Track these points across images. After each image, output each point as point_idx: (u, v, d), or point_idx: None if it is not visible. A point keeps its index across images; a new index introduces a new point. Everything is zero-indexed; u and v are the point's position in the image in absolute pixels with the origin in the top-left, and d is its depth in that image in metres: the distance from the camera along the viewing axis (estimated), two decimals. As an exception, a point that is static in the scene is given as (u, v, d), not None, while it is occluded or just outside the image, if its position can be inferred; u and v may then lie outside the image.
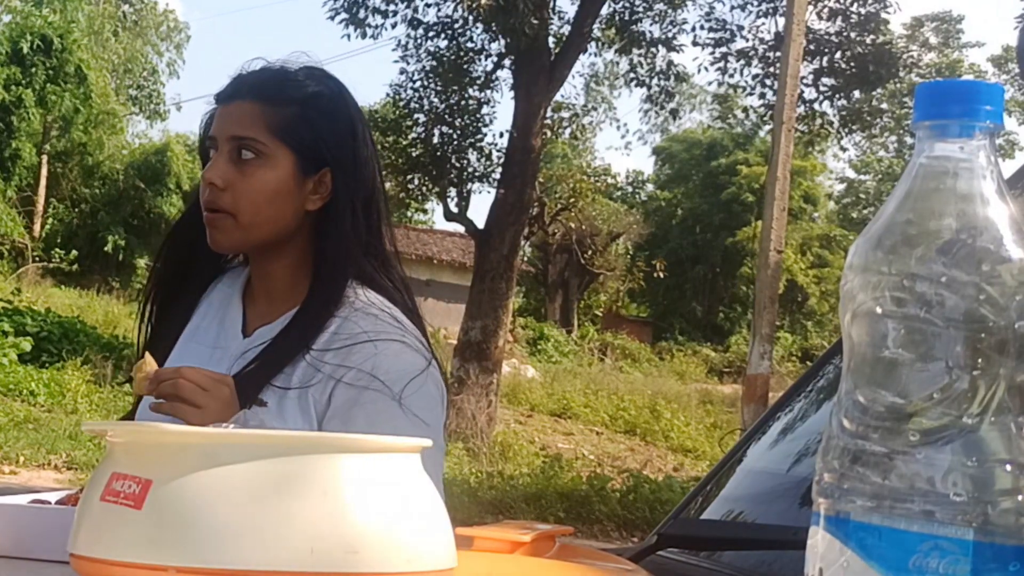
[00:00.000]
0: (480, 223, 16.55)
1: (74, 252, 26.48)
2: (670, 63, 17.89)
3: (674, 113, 20.08)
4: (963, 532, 0.69)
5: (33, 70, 26.24)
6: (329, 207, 1.85)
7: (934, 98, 0.76)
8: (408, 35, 16.97)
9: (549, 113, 17.44)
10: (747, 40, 17.33)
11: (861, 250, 0.75)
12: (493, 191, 16.61)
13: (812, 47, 16.06)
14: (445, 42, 16.96)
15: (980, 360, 0.70)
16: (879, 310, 0.72)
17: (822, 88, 16.96)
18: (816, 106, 17.17)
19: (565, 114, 20.01)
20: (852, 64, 16.54)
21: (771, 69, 16.80)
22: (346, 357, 1.78)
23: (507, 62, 16.81)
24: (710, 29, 17.33)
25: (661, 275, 32.67)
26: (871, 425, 0.72)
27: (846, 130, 18.02)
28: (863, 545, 0.72)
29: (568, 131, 20.88)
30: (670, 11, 17.28)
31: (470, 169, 17.57)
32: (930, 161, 0.75)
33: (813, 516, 0.76)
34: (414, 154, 17.65)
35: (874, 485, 0.71)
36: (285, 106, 1.84)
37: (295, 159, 1.83)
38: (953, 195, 0.73)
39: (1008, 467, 0.70)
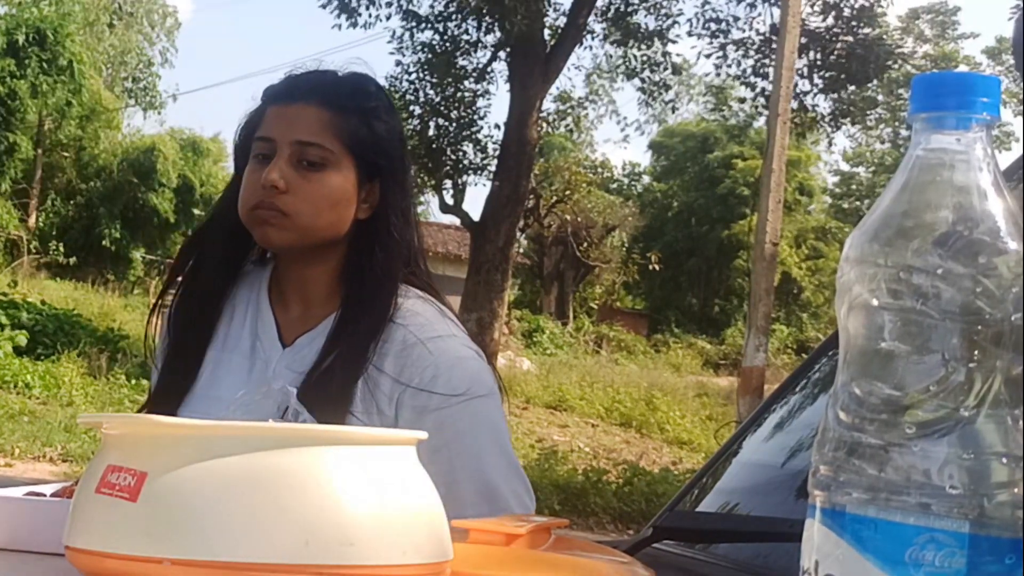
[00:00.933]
0: (476, 215, 16.56)
1: (61, 245, 26.49)
2: (665, 55, 17.88)
3: (672, 106, 20.08)
4: (959, 525, 0.69)
5: (27, 62, 26.21)
6: (377, 216, 1.84)
7: (930, 90, 0.76)
8: (402, 26, 16.96)
9: (546, 105, 17.44)
10: (742, 31, 17.33)
11: (857, 242, 0.75)
12: (489, 183, 16.61)
13: (806, 40, 16.05)
14: (439, 34, 16.94)
15: (976, 352, 0.70)
16: (875, 302, 0.72)
17: (816, 81, 16.95)
18: (810, 99, 17.18)
19: (563, 106, 20.01)
20: (846, 58, 16.53)
21: (766, 61, 16.80)
22: (403, 367, 1.78)
23: (502, 54, 16.80)
24: (705, 21, 17.33)
25: (656, 268, 32.68)
26: (867, 417, 0.72)
27: (837, 123, 18.01)
28: (859, 537, 0.72)
29: (565, 123, 20.87)
30: (665, 2, 17.27)
31: (466, 161, 17.57)
32: (926, 153, 0.75)
33: (809, 508, 0.76)
34: (409, 146, 17.60)
35: (870, 477, 0.71)
36: (351, 115, 1.83)
37: (357, 169, 1.83)
38: (949, 187, 0.73)
39: (1004, 460, 0.70)
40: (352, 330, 1.80)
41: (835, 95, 17.23)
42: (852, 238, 0.75)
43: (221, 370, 1.88)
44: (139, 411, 1.96)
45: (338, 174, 1.81)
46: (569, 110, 20.63)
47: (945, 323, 0.70)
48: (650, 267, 32.70)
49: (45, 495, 1.34)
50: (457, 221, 18.75)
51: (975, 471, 0.69)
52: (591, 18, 16.93)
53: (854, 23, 16.72)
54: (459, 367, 1.80)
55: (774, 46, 15.23)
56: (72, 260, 26.48)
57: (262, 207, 1.78)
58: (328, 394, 1.73)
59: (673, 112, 29.52)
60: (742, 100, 20.09)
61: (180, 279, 1.98)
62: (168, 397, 1.89)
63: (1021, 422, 0.70)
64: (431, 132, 17.41)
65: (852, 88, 17.31)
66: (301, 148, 1.79)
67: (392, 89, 17.50)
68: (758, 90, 17.48)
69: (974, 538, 0.69)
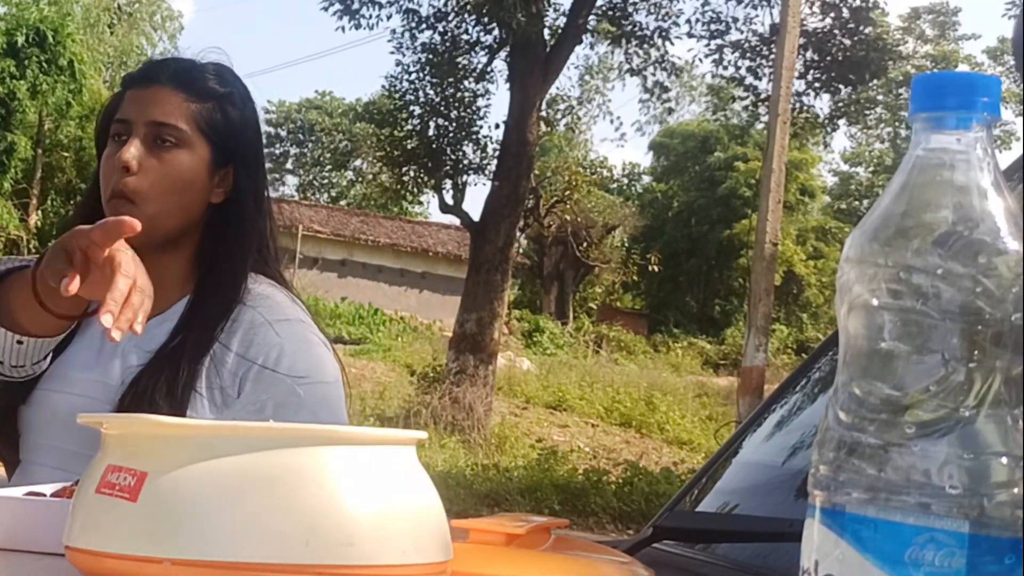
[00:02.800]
0: (475, 215, 16.56)
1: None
2: (664, 55, 17.89)
3: (667, 108, 20.09)
4: (959, 525, 0.69)
5: (26, 63, 26.21)
6: (231, 202, 1.88)
7: (931, 90, 0.76)
8: (403, 26, 16.97)
9: (544, 105, 17.44)
10: (742, 32, 17.33)
11: (857, 242, 0.75)
12: (488, 183, 16.61)
13: (805, 40, 16.05)
14: (440, 34, 16.95)
15: (976, 352, 0.70)
16: (875, 302, 0.72)
17: (815, 81, 16.95)
18: (810, 99, 17.18)
19: (561, 106, 20.03)
20: (845, 58, 16.53)
21: (764, 62, 16.80)
22: (249, 345, 1.81)
23: (502, 54, 16.81)
24: (705, 21, 17.33)
25: (656, 268, 32.67)
26: (867, 417, 0.72)
27: (834, 124, 18.01)
28: (859, 537, 0.71)
29: (563, 123, 20.88)
30: (665, 2, 17.27)
31: (465, 161, 17.58)
32: (927, 153, 0.75)
33: (809, 508, 0.76)
34: (409, 146, 17.66)
35: (870, 477, 0.71)
36: (205, 99, 1.87)
37: (210, 151, 1.86)
38: (950, 187, 0.73)
39: (1004, 460, 0.70)
40: (203, 314, 1.83)
41: (835, 95, 17.23)
42: (852, 238, 0.75)
43: (69, 351, 1.88)
44: None
45: (191, 155, 1.83)
46: (567, 110, 20.63)
47: (945, 323, 0.70)
48: (650, 267, 32.70)
49: (45, 495, 1.34)
50: (457, 221, 18.75)
51: (975, 471, 0.69)
52: (591, 18, 16.93)
53: (854, 23, 16.72)
54: (304, 351, 1.84)
55: (773, 47, 15.23)
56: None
57: (116, 194, 1.79)
58: (175, 372, 1.76)
59: (669, 114, 29.55)
60: (735, 100, 20.12)
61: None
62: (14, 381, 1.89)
63: (1021, 422, 0.70)
64: (431, 132, 17.42)
65: (851, 88, 17.31)
66: (155, 128, 1.82)
67: (392, 89, 17.52)
68: (757, 91, 17.48)
69: (974, 538, 0.69)
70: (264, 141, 2.00)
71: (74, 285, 1.43)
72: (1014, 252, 0.71)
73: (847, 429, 0.73)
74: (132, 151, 1.79)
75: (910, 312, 0.71)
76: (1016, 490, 0.70)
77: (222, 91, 1.89)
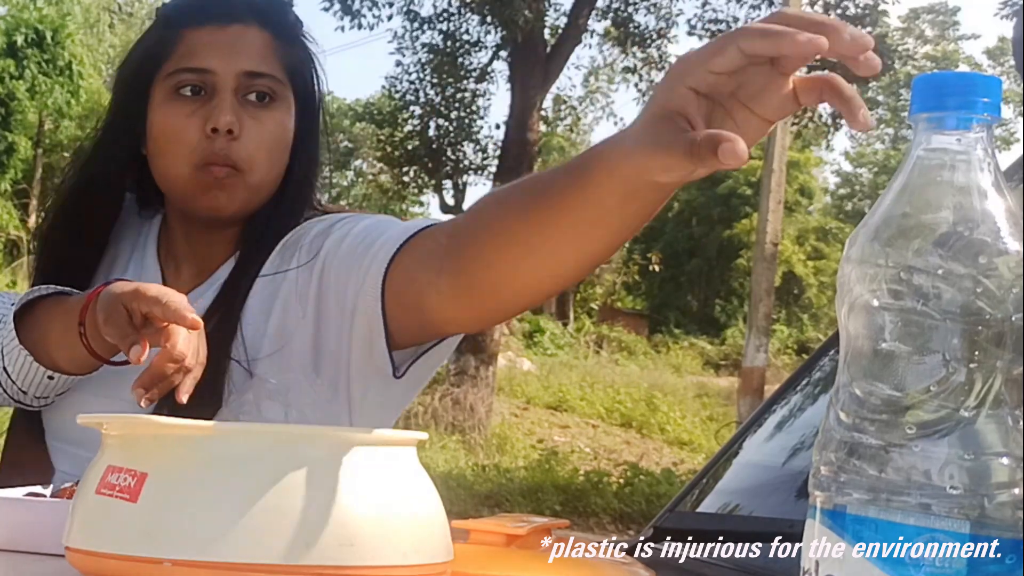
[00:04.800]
0: (476, 216, 16.53)
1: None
2: (663, 55, 17.88)
3: None
4: (959, 525, 0.69)
5: (25, 62, 26.22)
6: (294, 159, 1.58)
7: (931, 90, 0.76)
8: (404, 27, 16.97)
9: (545, 105, 17.45)
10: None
11: (858, 242, 0.75)
12: (489, 183, 16.62)
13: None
14: (440, 34, 16.95)
15: (977, 353, 0.70)
16: (876, 303, 0.72)
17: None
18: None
19: (562, 106, 20.03)
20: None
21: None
22: (294, 243, 1.56)
23: (503, 54, 16.81)
24: (706, 21, 17.33)
25: (657, 268, 32.65)
26: (868, 418, 0.72)
27: (837, 125, 18.00)
28: (859, 538, 0.71)
29: (565, 123, 20.88)
30: (665, 2, 17.28)
31: (466, 161, 17.58)
32: (927, 154, 0.75)
33: (809, 509, 0.76)
34: (410, 146, 17.65)
35: (870, 478, 0.71)
36: (292, 43, 1.59)
37: (296, 107, 1.58)
38: (950, 188, 0.73)
39: (1005, 460, 0.70)
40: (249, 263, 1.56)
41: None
42: (853, 238, 0.75)
43: None
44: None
45: (286, 110, 1.55)
46: (569, 111, 20.64)
47: (946, 323, 0.70)
48: (650, 267, 32.69)
49: (45, 495, 1.34)
50: (458, 221, 18.73)
51: (975, 471, 0.69)
52: (591, 18, 16.92)
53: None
54: (319, 214, 1.61)
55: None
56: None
57: (221, 162, 1.50)
58: (236, 316, 1.52)
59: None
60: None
61: (52, 239, 1.71)
62: None
63: (1021, 422, 0.70)
64: (431, 132, 17.42)
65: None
66: (248, 81, 1.51)
67: (392, 89, 17.52)
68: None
69: (974, 538, 0.69)
70: None
71: (145, 356, 1.28)
72: (1014, 252, 0.71)
73: (848, 430, 0.73)
74: (231, 112, 1.49)
75: (911, 313, 0.71)
76: (1016, 490, 0.70)
77: (300, 27, 1.61)
